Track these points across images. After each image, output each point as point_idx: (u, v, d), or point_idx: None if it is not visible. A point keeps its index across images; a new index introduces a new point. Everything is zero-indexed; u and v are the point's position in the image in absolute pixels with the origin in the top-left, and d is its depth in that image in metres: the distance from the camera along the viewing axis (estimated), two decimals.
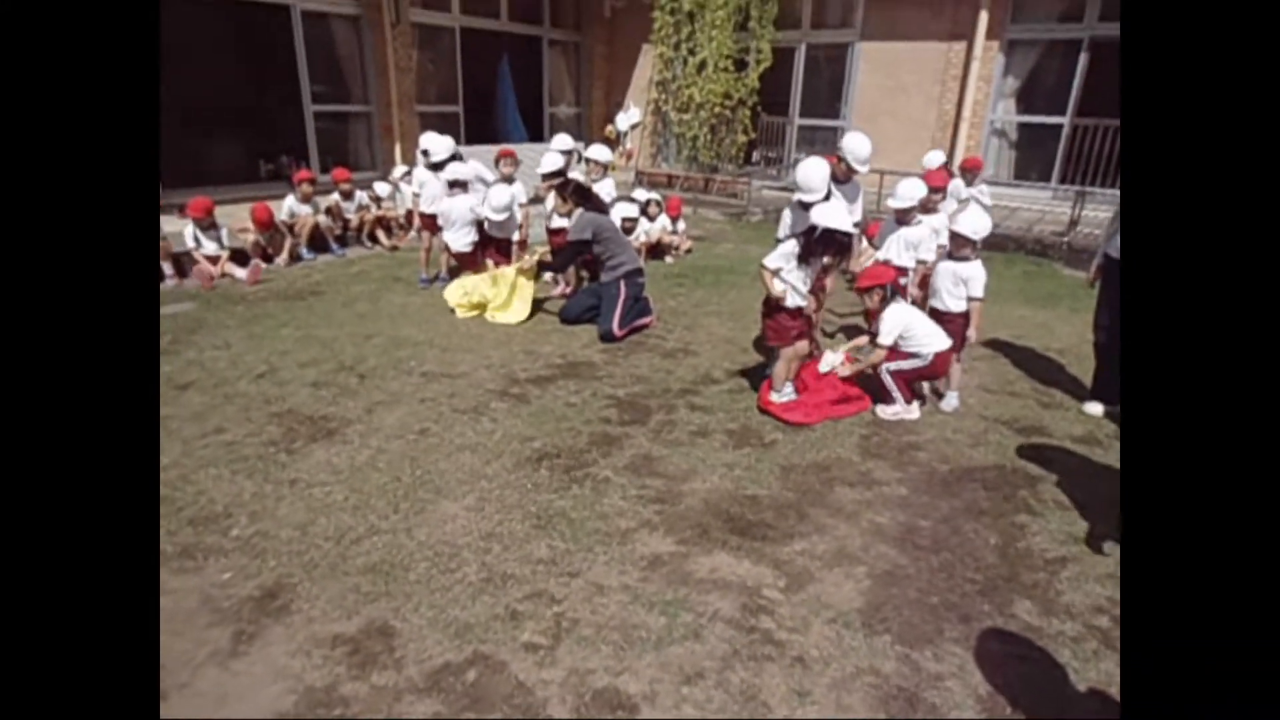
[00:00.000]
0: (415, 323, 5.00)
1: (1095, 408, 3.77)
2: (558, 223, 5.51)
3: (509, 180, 5.76)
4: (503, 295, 5.05)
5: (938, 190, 4.81)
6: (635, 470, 3.08)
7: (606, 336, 4.67)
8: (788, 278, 3.47)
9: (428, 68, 10.40)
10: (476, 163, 6.36)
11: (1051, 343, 4.91)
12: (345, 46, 9.57)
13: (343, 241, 7.11)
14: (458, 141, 9.69)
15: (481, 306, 5.14)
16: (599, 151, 6.09)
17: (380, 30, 9.47)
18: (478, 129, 11.31)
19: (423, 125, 10.28)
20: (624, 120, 10.30)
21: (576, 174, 5.96)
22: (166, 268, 5.80)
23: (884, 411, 3.68)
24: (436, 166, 5.91)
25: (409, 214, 7.71)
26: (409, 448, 3.22)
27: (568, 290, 5.72)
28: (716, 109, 10.87)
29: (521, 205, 5.70)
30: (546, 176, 5.56)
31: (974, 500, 2.93)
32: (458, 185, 5.53)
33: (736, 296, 5.83)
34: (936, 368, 3.58)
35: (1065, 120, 9.03)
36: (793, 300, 3.49)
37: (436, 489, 2.89)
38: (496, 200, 5.27)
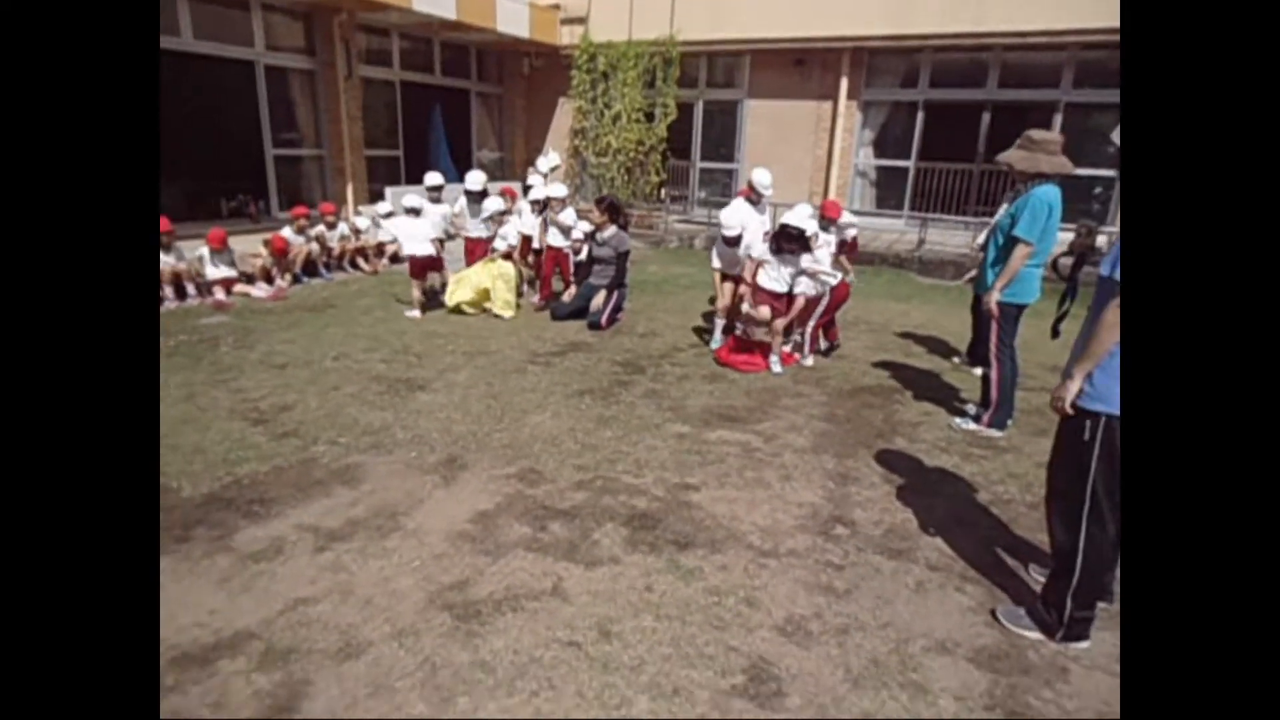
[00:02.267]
0: (430, 323, 6.22)
1: (961, 361, 5.49)
2: (557, 241, 6.86)
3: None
4: (497, 292, 6.38)
5: (831, 221, 6.34)
6: (648, 396, 4.53)
7: (594, 325, 6.10)
8: (769, 270, 4.99)
9: (373, 116, 11.51)
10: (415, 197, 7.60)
11: (907, 323, 6.79)
12: (302, 97, 10.59)
13: (329, 267, 8.13)
14: (398, 181, 10.95)
15: (477, 301, 6.44)
16: (558, 189, 7.55)
17: (334, 83, 10.57)
18: (415, 170, 12.47)
19: (369, 167, 11.42)
20: (544, 163, 11.73)
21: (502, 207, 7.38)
22: (190, 288, 6.70)
23: (804, 361, 5.32)
24: (473, 195, 7.20)
25: (380, 245, 8.83)
26: (485, 392, 4.52)
27: (537, 300, 7.07)
28: (631, 154, 12.62)
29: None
30: (556, 201, 6.91)
31: (866, 400, 4.60)
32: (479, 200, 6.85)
33: (675, 300, 7.42)
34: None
35: (910, 163, 11.43)
36: (770, 285, 5.00)
37: (521, 409, 4.22)
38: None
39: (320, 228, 8.21)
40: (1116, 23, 9.07)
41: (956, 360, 5.51)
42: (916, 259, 9.72)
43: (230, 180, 10.30)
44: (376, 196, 10.22)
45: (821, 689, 2.10)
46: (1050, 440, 2.42)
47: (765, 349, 5.27)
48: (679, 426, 4.07)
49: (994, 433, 4.07)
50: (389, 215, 8.73)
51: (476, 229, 7.30)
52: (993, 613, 2.47)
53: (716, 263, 5.75)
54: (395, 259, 8.71)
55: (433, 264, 6.65)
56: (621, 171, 12.74)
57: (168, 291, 6.60)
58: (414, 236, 6.54)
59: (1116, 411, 2.04)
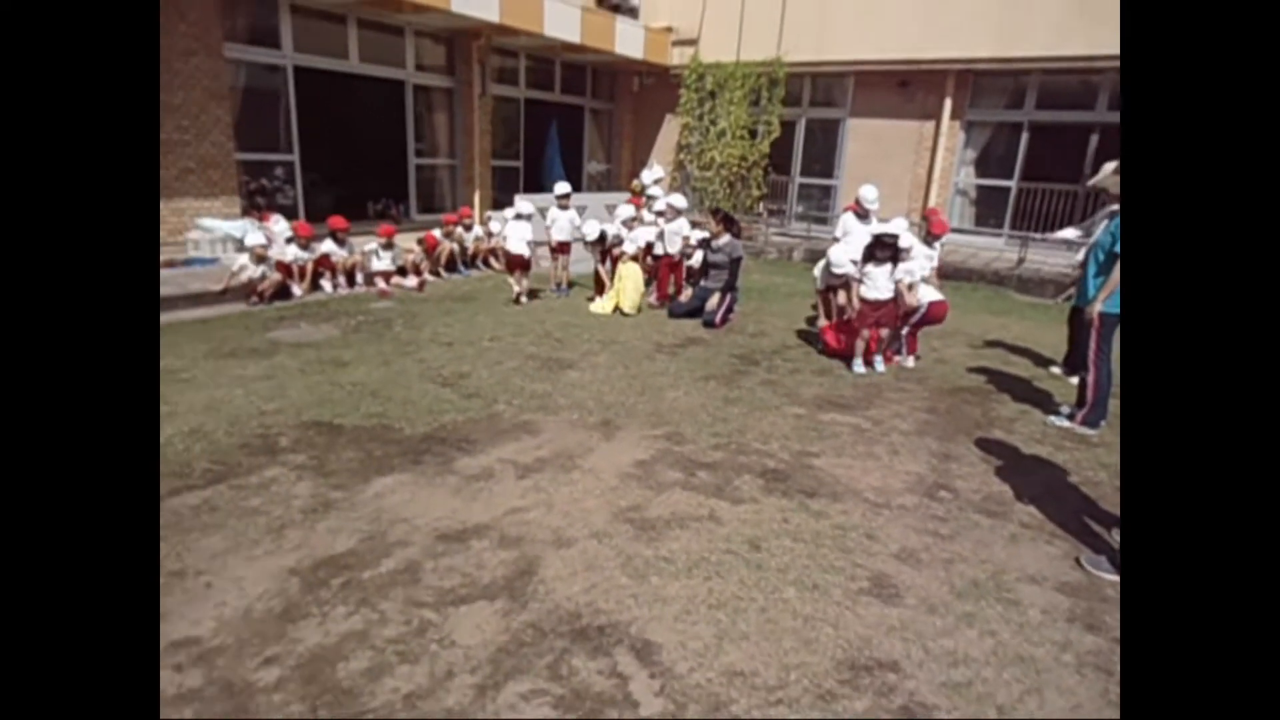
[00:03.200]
0: (564, 314, 7.04)
1: (1058, 370, 5.84)
2: (673, 247, 7.63)
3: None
4: (626, 292, 7.14)
5: (936, 236, 6.74)
6: (765, 384, 5.15)
7: (709, 324, 6.77)
8: (867, 280, 5.51)
9: (499, 130, 12.61)
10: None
11: (1004, 335, 7.12)
12: (440, 112, 11.78)
13: (466, 265, 9.13)
14: (516, 189, 11.96)
15: (613, 300, 7.24)
16: (679, 200, 8.27)
17: (469, 100, 11.71)
18: (531, 179, 13.53)
19: (494, 177, 12.50)
20: (648, 175, 12.55)
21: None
22: (359, 278, 7.78)
23: (905, 362, 5.81)
24: (564, 201, 8.03)
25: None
26: (624, 372, 5.24)
27: (654, 300, 7.79)
28: (734, 168, 13.27)
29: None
30: (671, 210, 7.72)
31: (965, 398, 5.06)
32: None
33: (779, 306, 7.99)
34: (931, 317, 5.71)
35: (1012, 183, 11.59)
36: (871, 294, 5.52)
37: (657, 388, 4.92)
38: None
39: (459, 229, 9.23)
40: None
41: (1053, 369, 5.86)
42: (1015, 276, 9.92)
43: (376, 185, 11.55)
44: (500, 203, 11.25)
45: (932, 596, 2.67)
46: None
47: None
48: (795, 409, 4.67)
49: (1088, 431, 4.48)
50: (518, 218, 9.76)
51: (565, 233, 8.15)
52: (1077, 560, 2.96)
53: (820, 284, 6.28)
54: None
55: (523, 263, 7.54)
56: (724, 185, 13.39)
57: (341, 280, 7.70)
58: (515, 237, 7.50)
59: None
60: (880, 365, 5.66)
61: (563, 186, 8.36)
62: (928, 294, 5.69)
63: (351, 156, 11.55)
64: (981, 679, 2.25)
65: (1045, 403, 5.01)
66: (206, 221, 8.28)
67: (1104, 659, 2.36)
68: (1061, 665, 2.33)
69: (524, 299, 7.49)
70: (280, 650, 2.24)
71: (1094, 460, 4.06)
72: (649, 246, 7.89)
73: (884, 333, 5.69)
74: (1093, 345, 4.45)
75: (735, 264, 6.99)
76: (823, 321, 6.27)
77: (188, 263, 7.79)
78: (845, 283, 5.85)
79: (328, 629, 2.35)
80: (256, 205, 9.17)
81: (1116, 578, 2.84)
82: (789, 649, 2.34)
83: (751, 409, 4.62)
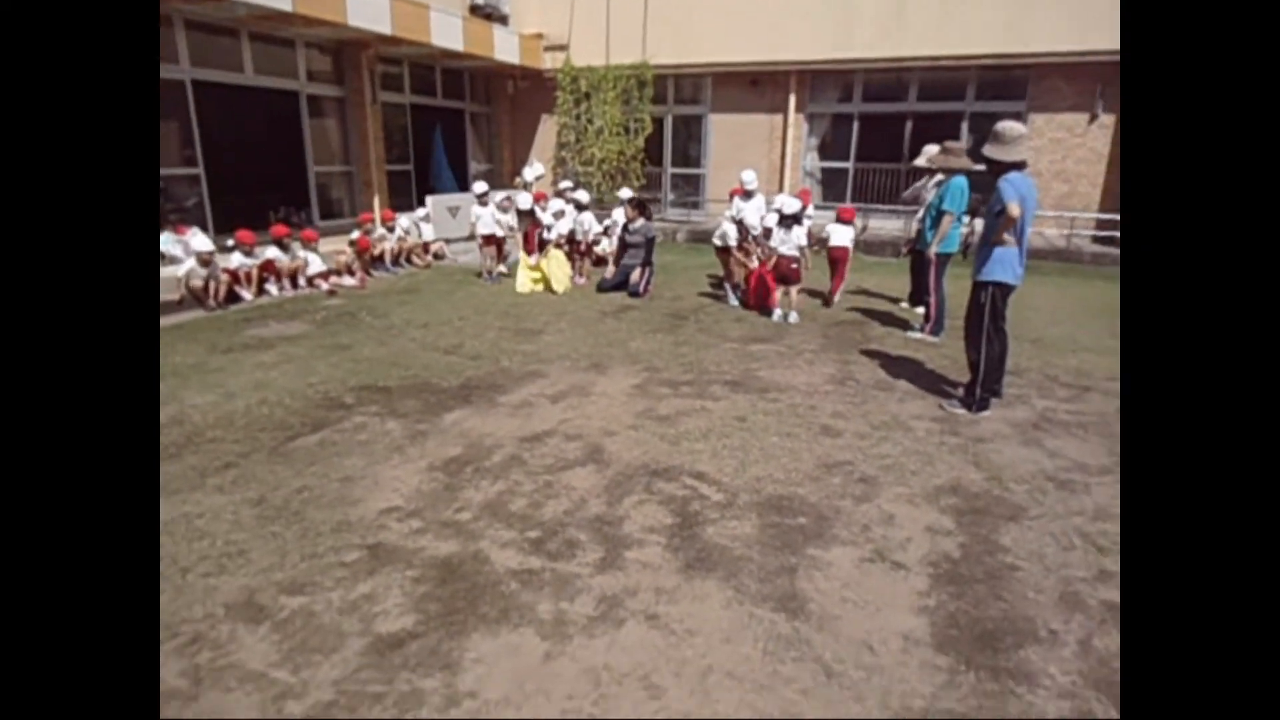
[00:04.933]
0: (504, 297, 8.04)
1: (905, 305, 7.66)
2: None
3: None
4: (556, 274, 8.27)
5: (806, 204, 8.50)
6: (700, 331, 6.51)
7: (634, 294, 8.05)
8: (785, 242, 6.95)
9: (389, 136, 13.12)
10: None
11: (862, 285, 8.95)
12: (333, 121, 12.16)
13: (394, 262, 9.80)
14: (411, 190, 12.71)
15: (540, 282, 8.32)
16: (584, 195, 9.46)
17: (361, 108, 12.18)
18: (422, 182, 14.13)
19: (388, 181, 13.03)
20: (529, 173, 13.58)
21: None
22: (301, 280, 8.32)
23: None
24: (484, 199, 8.99)
25: (425, 245, 10.53)
26: (586, 332, 6.41)
27: (581, 280, 8.97)
28: (614, 163, 14.59)
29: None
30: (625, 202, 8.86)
31: (846, 329, 6.70)
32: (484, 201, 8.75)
33: (682, 277, 9.42)
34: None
35: (850, 164, 13.78)
36: (788, 252, 6.97)
37: (619, 340, 6.14)
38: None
39: (381, 230, 9.87)
40: (1007, 48, 11.60)
41: (902, 304, 7.69)
42: (861, 242, 11.99)
43: (278, 194, 11.76)
44: (397, 206, 11.85)
45: (860, 431, 4.13)
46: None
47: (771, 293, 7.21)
48: (729, 344, 6.07)
49: (933, 339, 6.23)
50: (425, 219, 10.57)
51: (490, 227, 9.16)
52: (940, 405, 4.56)
53: (720, 241, 7.80)
54: (439, 256, 10.46)
55: (496, 241, 8.59)
56: (606, 178, 14.67)
57: (285, 283, 8.21)
58: (483, 220, 8.55)
59: (994, 279, 4.16)
60: (794, 317, 7.10)
61: (480, 186, 9.29)
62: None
63: (252, 167, 11.67)
64: (898, 462, 3.73)
65: (902, 325, 6.75)
66: None
67: (962, 446, 3.92)
68: (941, 450, 3.88)
69: (495, 273, 8.75)
70: (462, 503, 3.29)
71: (940, 355, 5.78)
72: (570, 234, 9.05)
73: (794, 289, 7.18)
74: (932, 277, 6.20)
75: (650, 242, 8.32)
76: (732, 282, 7.76)
77: None
78: (745, 244, 7.37)
79: (484, 490, 3.41)
80: (170, 220, 9.31)
81: (962, 410, 4.45)
82: (785, 463, 3.70)
83: (697, 348, 5.96)
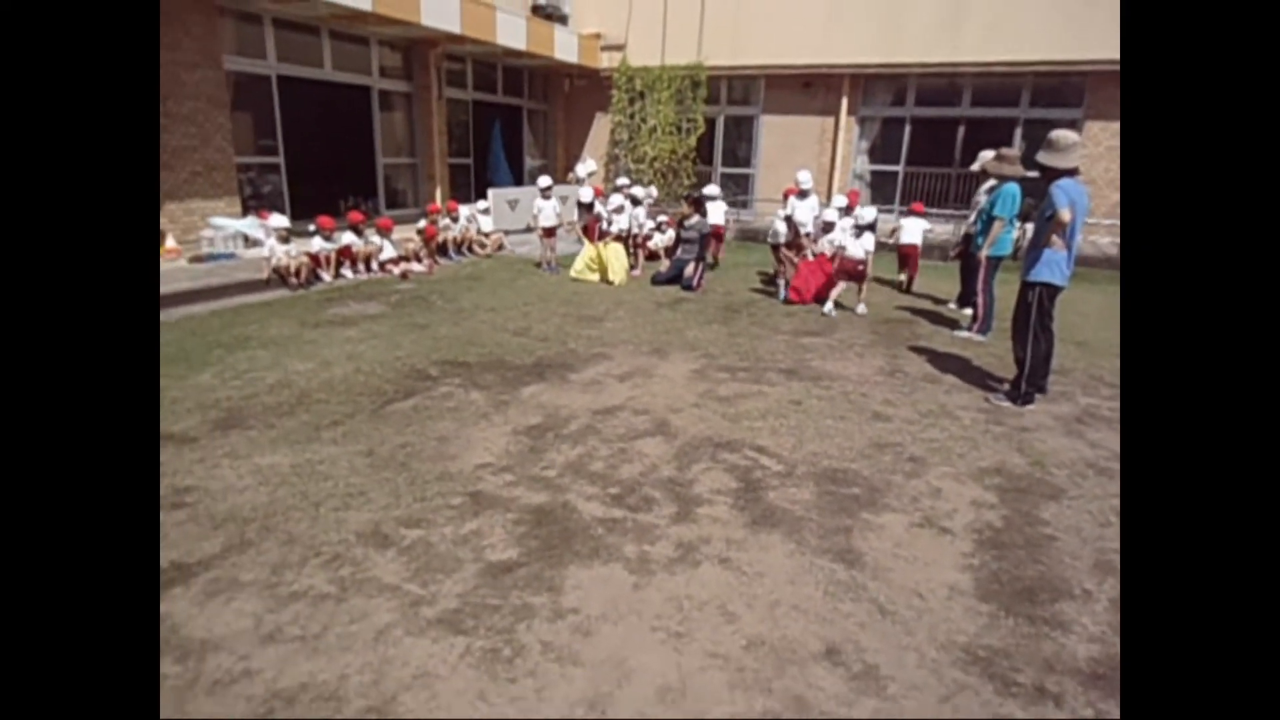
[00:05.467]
0: (564, 286, 8.45)
1: (954, 306, 7.87)
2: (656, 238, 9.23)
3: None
4: (614, 267, 8.65)
5: (851, 207, 8.76)
6: (754, 323, 6.82)
7: (688, 287, 8.38)
8: (851, 247, 7.27)
9: (451, 131, 13.67)
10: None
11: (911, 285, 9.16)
12: (401, 115, 12.74)
13: (456, 251, 10.30)
14: (470, 182, 13.25)
15: (598, 272, 8.70)
16: (641, 191, 9.83)
17: (427, 103, 12.74)
18: (481, 174, 14.67)
19: (450, 174, 13.57)
20: (582, 169, 14.01)
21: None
22: (374, 265, 8.85)
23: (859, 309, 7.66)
24: (547, 193, 9.42)
25: (486, 235, 11.01)
26: (644, 321, 6.77)
27: (636, 272, 9.34)
28: (666, 161, 14.93)
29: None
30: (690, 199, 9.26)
31: (894, 326, 6.94)
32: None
33: (732, 274, 9.72)
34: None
35: (900, 168, 13.90)
36: (857, 254, 7.26)
37: (676, 329, 6.49)
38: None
39: (446, 220, 10.38)
40: (1064, 54, 11.62)
41: (950, 305, 7.88)
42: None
43: (348, 184, 12.39)
44: (457, 199, 12.37)
45: (909, 417, 4.41)
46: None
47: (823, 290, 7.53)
48: (782, 336, 6.38)
49: (981, 338, 6.44)
50: (485, 211, 11.07)
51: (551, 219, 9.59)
52: (986, 398, 4.81)
53: (773, 239, 8.11)
54: (499, 246, 10.94)
55: (553, 232, 9.06)
56: (658, 176, 15.02)
57: (360, 267, 8.75)
58: (545, 213, 8.97)
59: (1043, 280, 4.40)
60: (862, 308, 7.45)
61: (545, 180, 9.73)
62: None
63: (326, 157, 12.32)
64: (945, 445, 4.01)
65: (950, 324, 6.97)
66: (217, 220, 9.05)
67: (1007, 434, 4.17)
68: (986, 437, 4.14)
69: (554, 263, 9.14)
70: (547, 463, 3.67)
71: (987, 353, 6.00)
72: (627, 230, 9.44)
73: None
74: (981, 279, 6.41)
75: (704, 238, 8.64)
76: (785, 279, 8.06)
77: (210, 258, 8.59)
78: (797, 242, 7.68)
79: (565, 453, 3.79)
80: (252, 205, 9.96)
81: (1008, 404, 4.69)
82: (839, 442, 4.01)
83: (751, 339, 6.28)
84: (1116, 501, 3.44)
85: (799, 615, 2.51)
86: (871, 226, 7.43)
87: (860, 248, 7.32)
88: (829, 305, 7.33)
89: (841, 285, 7.42)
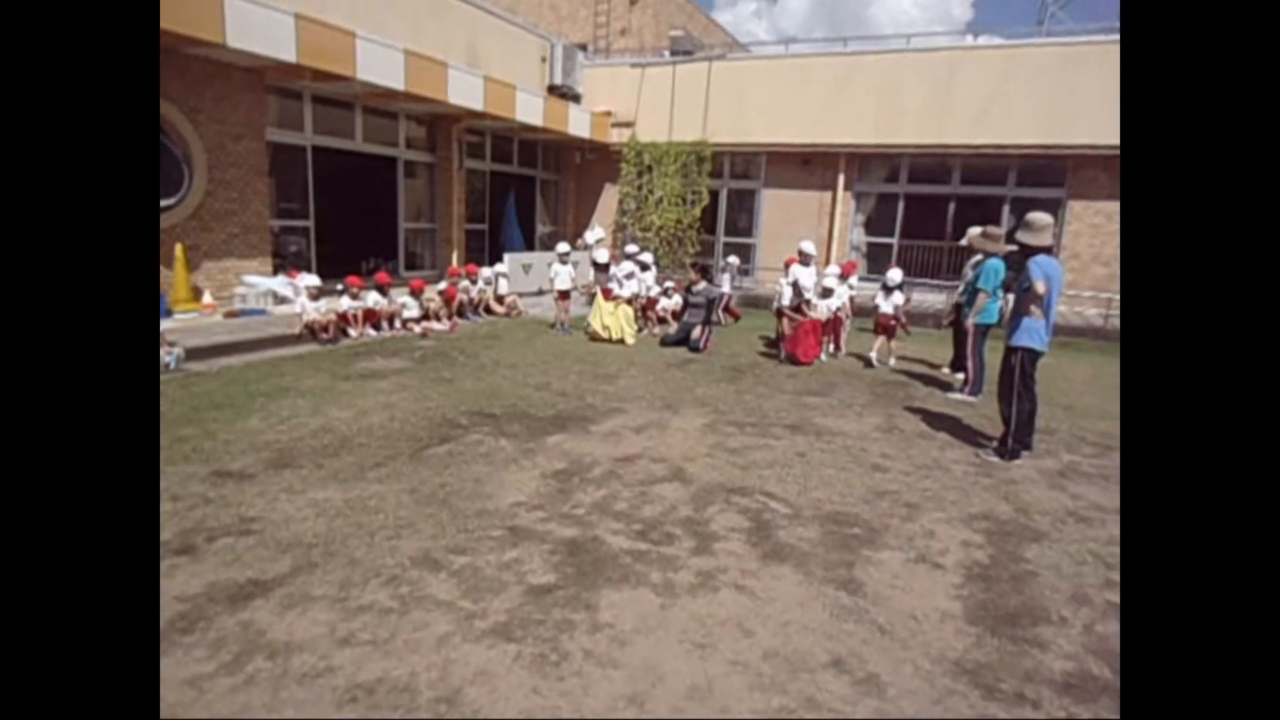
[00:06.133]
0: (578, 346, 8.91)
1: (947, 370, 8.35)
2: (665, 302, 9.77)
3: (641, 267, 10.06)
4: (625, 328, 9.13)
5: (847, 275, 9.45)
6: (758, 383, 7.25)
7: (695, 349, 8.85)
8: (817, 307, 7.88)
9: (470, 198, 14.44)
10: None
11: (906, 352, 9.62)
12: (423, 183, 13.50)
13: (474, 312, 10.82)
14: (485, 247, 13.89)
15: (609, 330, 9.17)
16: (647, 257, 10.42)
17: (448, 173, 13.52)
18: (495, 240, 15.38)
19: (466, 238, 14.25)
20: (591, 236, 14.76)
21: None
22: (397, 323, 9.34)
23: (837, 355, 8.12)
24: (564, 258, 10.00)
25: (501, 298, 11.57)
26: (655, 379, 7.20)
27: (654, 330, 9.83)
28: (671, 230, 15.68)
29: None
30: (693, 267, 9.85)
31: (891, 388, 7.36)
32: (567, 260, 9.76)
33: (736, 337, 10.22)
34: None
35: (894, 240, 14.61)
36: (888, 310, 7.91)
37: (686, 387, 6.91)
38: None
39: (465, 282, 10.93)
40: (1047, 139, 12.44)
41: (943, 370, 8.33)
42: (905, 313, 12.68)
43: (371, 246, 13.03)
44: (472, 263, 12.98)
45: (905, 469, 4.79)
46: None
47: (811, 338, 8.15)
48: (785, 395, 6.79)
49: (971, 399, 6.86)
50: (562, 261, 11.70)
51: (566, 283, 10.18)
52: (976, 454, 5.20)
53: (779, 303, 8.67)
54: (513, 308, 11.48)
55: (567, 295, 9.57)
56: (664, 244, 15.74)
57: (384, 325, 9.23)
58: (561, 276, 9.51)
59: (1024, 345, 4.85)
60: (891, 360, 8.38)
61: (563, 246, 10.33)
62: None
63: (352, 222, 12.99)
64: (938, 494, 4.37)
65: (943, 387, 7.40)
66: (250, 278, 9.59)
67: (995, 485, 4.54)
68: (975, 487, 4.51)
69: (567, 325, 9.60)
70: (575, 502, 4.03)
71: (977, 414, 6.40)
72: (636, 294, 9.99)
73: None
74: (970, 345, 6.88)
75: (711, 303, 9.17)
76: (780, 332, 8.61)
77: (243, 314, 9.08)
78: (800, 305, 8.23)
79: (591, 494, 4.15)
80: (285, 265, 10.53)
81: (996, 459, 5.07)
82: (841, 489, 4.38)
83: (757, 397, 6.69)
84: (1093, 544, 3.79)
85: (808, 632, 2.84)
86: (900, 287, 8.40)
87: (890, 304, 8.37)
88: (873, 356, 8.44)
89: (879, 340, 8.48)
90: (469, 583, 3.11)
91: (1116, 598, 3.25)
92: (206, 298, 9.00)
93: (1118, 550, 3.73)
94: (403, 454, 4.68)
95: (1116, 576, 3.45)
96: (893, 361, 8.51)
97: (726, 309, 11.24)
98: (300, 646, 2.61)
